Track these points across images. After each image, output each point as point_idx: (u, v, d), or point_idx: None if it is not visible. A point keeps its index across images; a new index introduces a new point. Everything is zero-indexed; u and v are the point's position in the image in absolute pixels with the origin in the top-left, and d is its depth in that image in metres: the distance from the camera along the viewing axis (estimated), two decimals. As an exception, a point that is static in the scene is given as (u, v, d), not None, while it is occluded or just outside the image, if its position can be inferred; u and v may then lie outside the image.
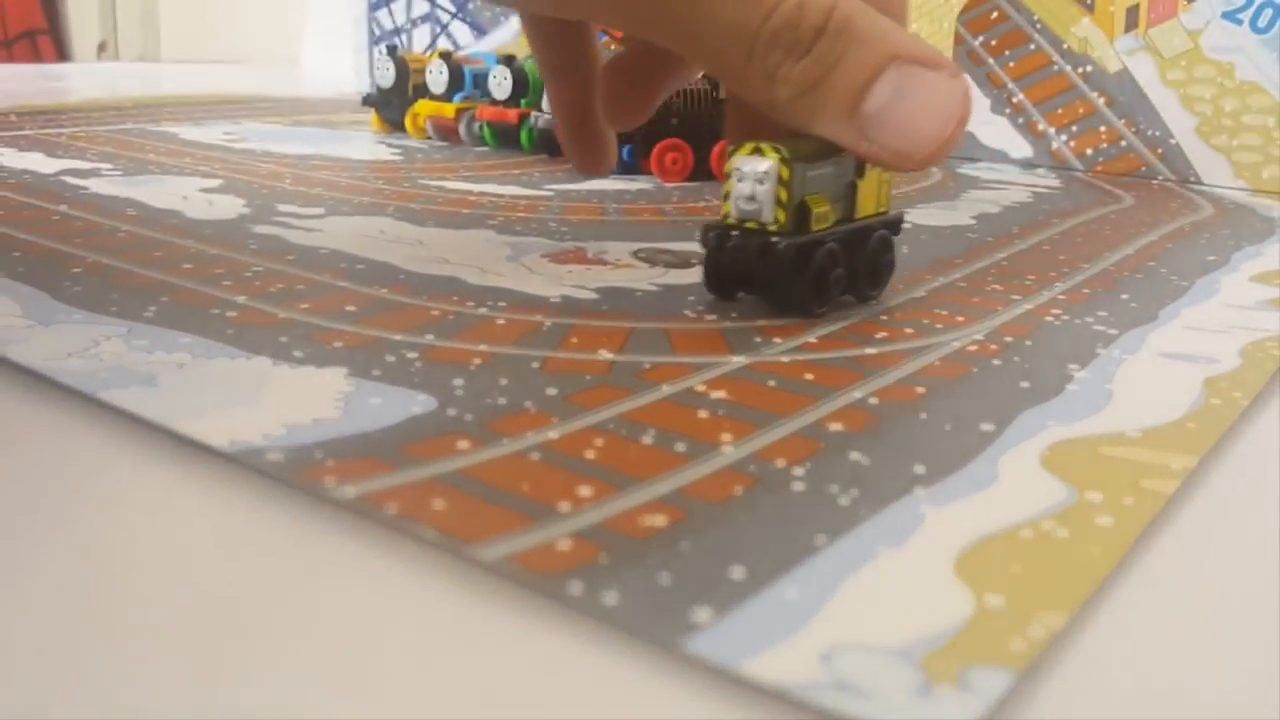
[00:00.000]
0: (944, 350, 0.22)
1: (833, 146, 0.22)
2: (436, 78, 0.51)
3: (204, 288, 0.24)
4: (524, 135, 0.48)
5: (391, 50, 0.54)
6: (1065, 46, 0.50)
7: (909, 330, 0.23)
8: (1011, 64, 0.51)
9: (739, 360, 0.21)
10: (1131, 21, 0.48)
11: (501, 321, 0.23)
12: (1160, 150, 0.48)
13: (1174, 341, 0.23)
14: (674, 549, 0.13)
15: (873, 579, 0.13)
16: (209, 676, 0.11)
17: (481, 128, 0.50)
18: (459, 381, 0.19)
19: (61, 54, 1.35)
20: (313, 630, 0.12)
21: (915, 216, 0.37)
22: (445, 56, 0.51)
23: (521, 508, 0.14)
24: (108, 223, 0.30)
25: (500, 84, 0.48)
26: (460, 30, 0.72)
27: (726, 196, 0.23)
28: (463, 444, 0.16)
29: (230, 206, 0.33)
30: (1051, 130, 0.51)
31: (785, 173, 0.22)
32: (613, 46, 0.49)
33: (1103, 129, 0.49)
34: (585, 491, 0.15)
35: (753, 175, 0.22)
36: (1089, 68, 0.49)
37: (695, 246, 0.27)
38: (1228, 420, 0.19)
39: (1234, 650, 0.12)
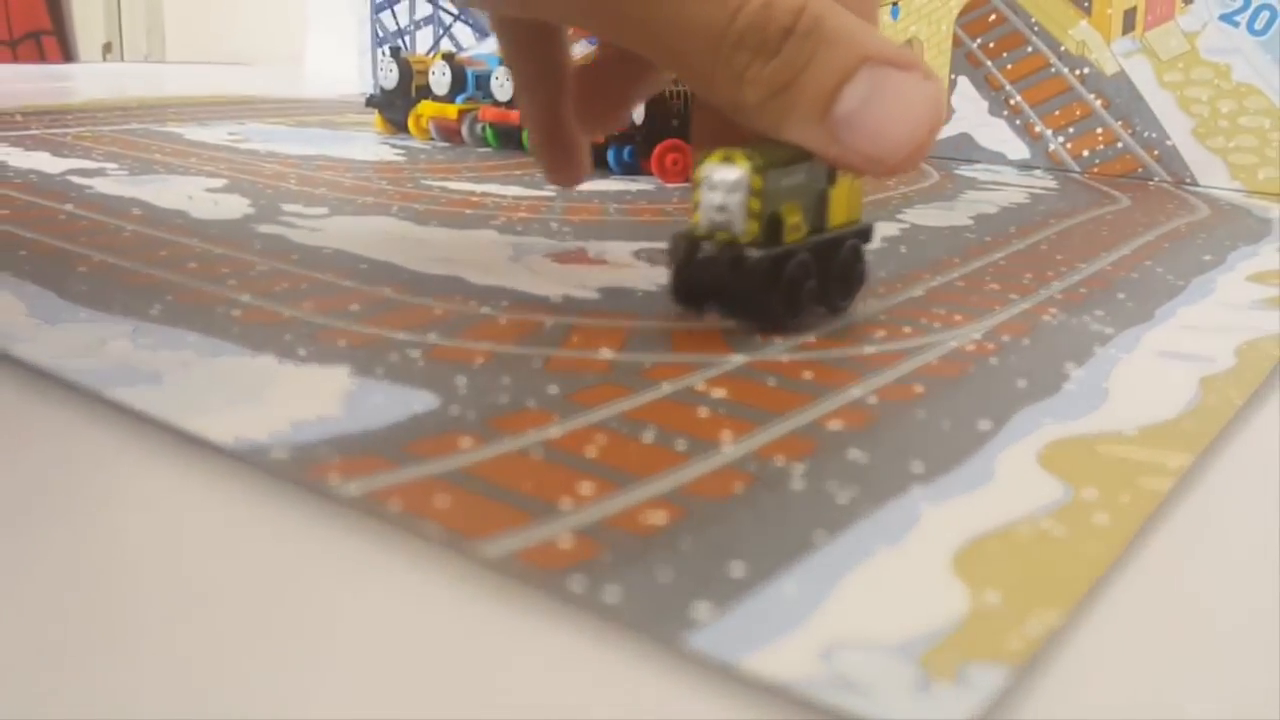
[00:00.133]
0: (942, 349, 0.22)
1: (804, 153, 0.21)
2: (439, 79, 0.51)
3: (209, 286, 0.24)
4: (526, 136, 0.48)
5: (395, 52, 0.54)
6: (1063, 49, 0.50)
7: (907, 329, 0.23)
8: (1009, 66, 0.51)
9: (739, 359, 0.21)
10: (1129, 24, 0.48)
11: (503, 321, 0.23)
12: (1157, 152, 0.48)
13: (1170, 341, 0.23)
14: (674, 546, 0.14)
15: (871, 576, 0.13)
16: (213, 674, 0.11)
17: (484, 129, 0.50)
18: (461, 380, 0.19)
19: (67, 55, 1.35)
20: (315, 627, 0.12)
21: (914, 217, 0.37)
22: (448, 58, 0.51)
23: (523, 505, 0.14)
24: (113, 222, 0.31)
25: (502, 85, 0.49)
26: (463, 32, 0.72)
27: (696, 206, 0.22)
28: (465, 442, 0.16)
29: (235, 206, 0.34)
30: (1049, 132, 0.51)
31: (757, 182, 0.21)
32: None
33: (1100, 130, 0.49)
34: (586, 489, 0.15)
35: (723, 185, 0.21)
36: (1086, 70, 0.49)
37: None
38: (1223, 419, 0.19)
39: (1230, 648, 0.13)
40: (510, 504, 0.14)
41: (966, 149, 0.53)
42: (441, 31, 0.73)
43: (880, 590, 0.13)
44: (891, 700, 0.11)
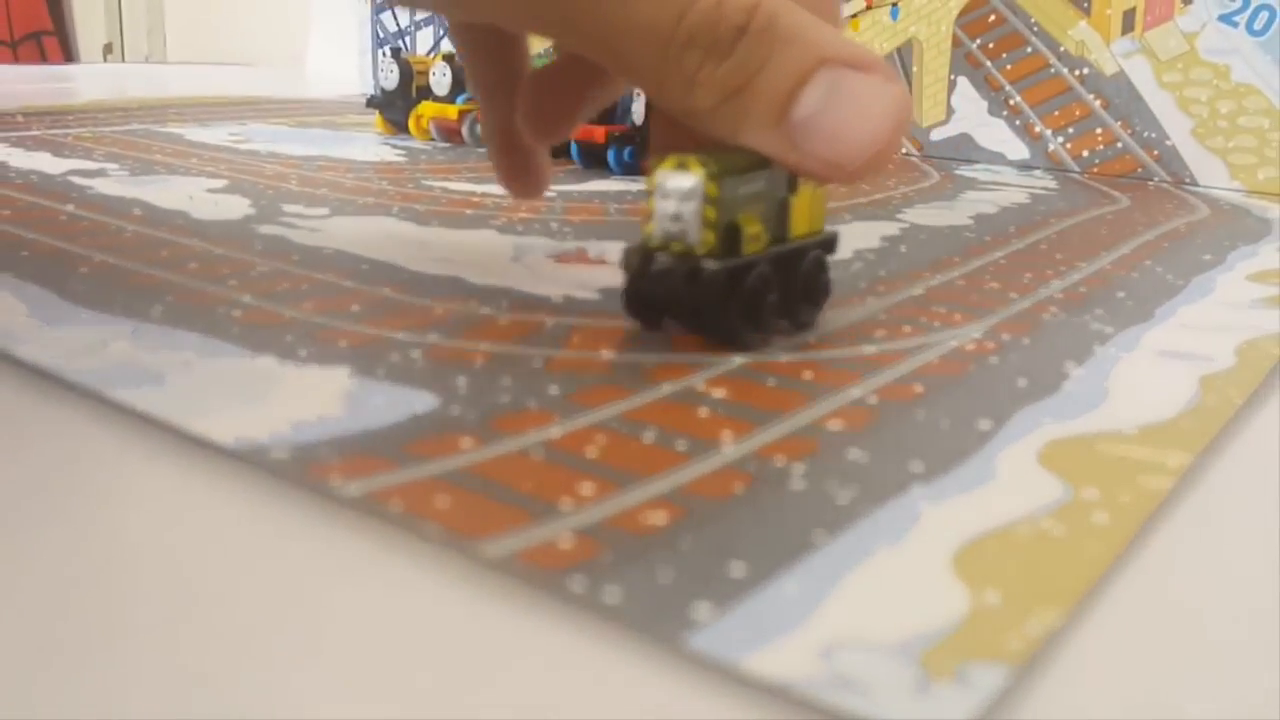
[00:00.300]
0: (942, 348, 0.22)
1: (763, 159, 0.20)
2: (440, 80, 0.51)
3: (210, 287, 0.24)
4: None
5: (395, 53, 0.54)
6: (1062, 49, 0.50)
7: (907, 329, 0.23)
8: (1009, 66, 0.51)
9: (738, 359, 0.21)
10: (1128, 24, 0.48)
11: (504, 321, 0.23)
12: (1156, 152, 0.48)
13: (1170, 340, 0.23)
14: (674, 546, 0.14)
15: (871, 576, 0.13)
16: (213, 673, 0.11)
17: (483, 129, 0.50)
18: (462, 380, 0.19)
19: (67, 55, 1.35)
20: (315, 627, 0.12)
21: (913, 216, 0.37)
22: (448, 59, 0.51)
23: (524, 505, 0.15)
24: (114, 222, 0.31)
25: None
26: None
27: (649, 216, 0.21)
28: (466, 442, 0.16)
29: (236, 207, 0.34)
30: (1048, 132, 0.51)
31: (713, 190, 0.20)
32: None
33: (1099, 131, 0.50)
34: (587, 489, 0.15)
35: (677, 193, 0.20)
36: (1086, 70, 0.49)
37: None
38: (1223, 418, 0.19)
39: (1230, 647, 0.13)
40: (511, 504, 0.15)
41: (966, 149, 0.53)
42: (442, 32, 0.73)
43: (880, 590, 0.13)
44: (891, 700, 0.11)
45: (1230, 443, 0.18)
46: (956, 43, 0.53)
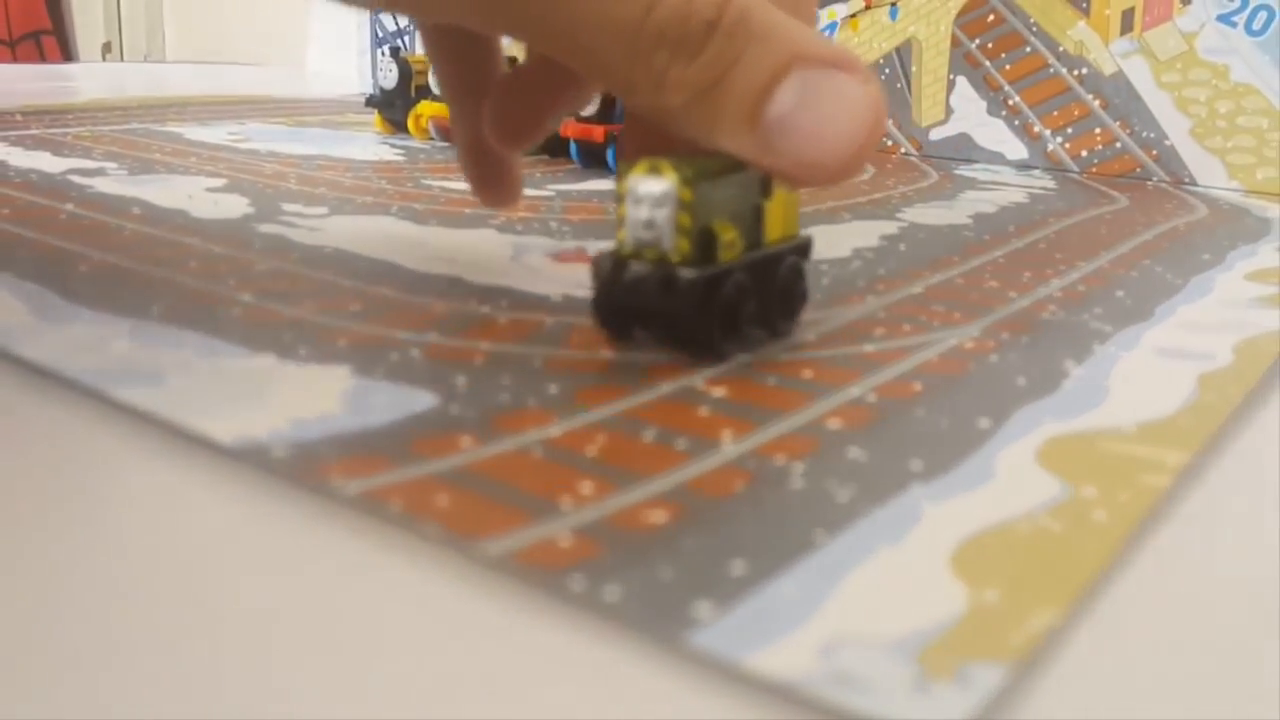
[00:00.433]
0: (941, 347, 0.22)
1: (737, 163, 0.20)
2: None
3: (209, 286, 0.24)
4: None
5: (394, 52, 0.54)
6: (1061, 49, 0.50)
7: (906, 327, 0.23)
8: (1008, 66, 0.51)
9: (739, 358, 0.21)
10: (1127, 24, 0.48)
11: (503, 320, 0.23)
12: (1155, 152, 0.48)
13: (1169, 338, 0.23)
14: (675, 545, 0.14)
15: (871, 574, 0.13)
16: (213, 673, 0.11)
17: (483, 128, 0.50)
18: (461, 379, 0.19)
19: (66, 54, 1.35)
20: (315, 626, 0.12)
21: (913, 215, 0.37)
22: (447, 57, 0.51)
23: (523, 504, 0.15)
24: (114, 221, 0.31)
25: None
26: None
27: (621, 223, 0.20)
28: (465, 441, 0.16)
29: (235, 206, 0.34)
30: (1047, 132, 0.51)
31: (686, 195, 0.19)
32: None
33: (1098, 131, 0.50)
34: (587, 488, 0.15)
35: (649, 198, 0.19)
36: (1084, 70, 0.50)
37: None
38: (1222, 416, 0.19)
39: (1229, 644, 0.13)
40: (510, 503, 0.15)
41: (965, 149, 0.53)
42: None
43: (880, 589, 0.13)
44: (891, 699, 0.11)
45: (1229, 440, 0.18)
46: (955, 42, 0.53)
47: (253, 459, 0.16)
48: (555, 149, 0.47)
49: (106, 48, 1.60)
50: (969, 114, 0.53)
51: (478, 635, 0.12)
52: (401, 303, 0.24)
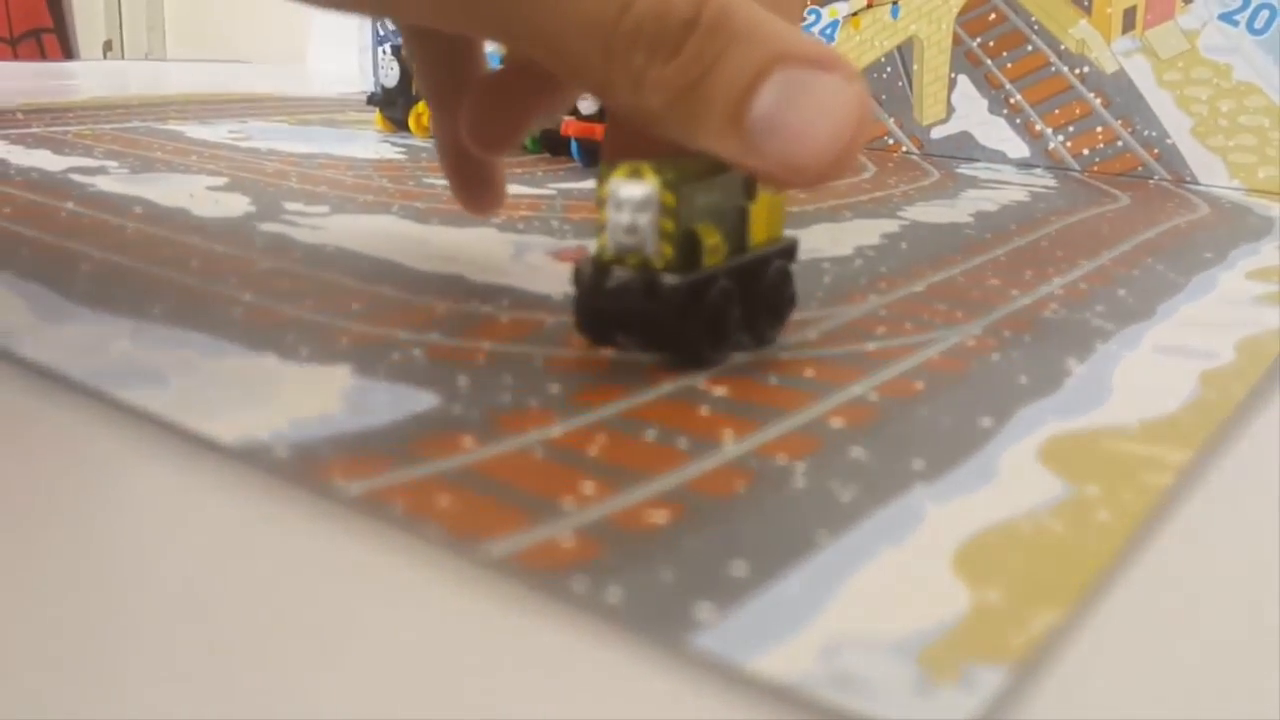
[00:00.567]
0: (943, 345, 0.22)
1: (720, 165, 0.19)
2: (439, 77, 0.51)
3: (211, 285, 0.24)
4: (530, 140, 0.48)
5: (396, 50, 0.54)
6: (1063, 48, 0.50)
7: (908, 326, 0.23)
8: (1009, 65, 0.51)
9: (740, 357, 0.21)
10: (1129, 23, 0.48)
11: (505, 319, 0.23)
12: (1156, 150, 0.48)
13: (1171, 337, 0.23)
14: (676, 545, 0.14)
15: (873, 575, 0.13)
16: (213, 673, 0.11)
17: (484, 127, 0.50)
18: (463, 379, 0.19)
19: (67, 52, 1.35)
20: (316, 627, 0.12)
21: (914, 214, 0.37)
22: (448, 56, 0.51)
23: (525, 505, 0.15)
24: (115, 220, 0.31)
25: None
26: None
27: (602, 227, 0.20)
28: (467, 441, 0.16)
29: (236, 204, 0.34)
30: (1049, 130, 0.51)
31: (669, 199, 0.19)
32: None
33: (1099, 129, 0.50)
34: (588, 488, 0.15)
35: (631, 202, 0.19)
36: (1086, 69, 0.49)
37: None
38: (1224, 414, 0.19)
39: (1232, 644, 0.13)
40: (512, 503, 0.15)
41: (966, 147, 0.53)
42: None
43: (883, 590, 0.13)
44: (893, 700, 0.11)
45: (1231, 438, 0.18)
46: (957, 41, 0.53)
47: (254, 459, 0.16)
48: (556, 147, 0.47)
49: (107, 46, 1.60)
50: (970, 112, 0.53)
51: (479, 636, 0.12)
52: (403, 302, 0.24)
